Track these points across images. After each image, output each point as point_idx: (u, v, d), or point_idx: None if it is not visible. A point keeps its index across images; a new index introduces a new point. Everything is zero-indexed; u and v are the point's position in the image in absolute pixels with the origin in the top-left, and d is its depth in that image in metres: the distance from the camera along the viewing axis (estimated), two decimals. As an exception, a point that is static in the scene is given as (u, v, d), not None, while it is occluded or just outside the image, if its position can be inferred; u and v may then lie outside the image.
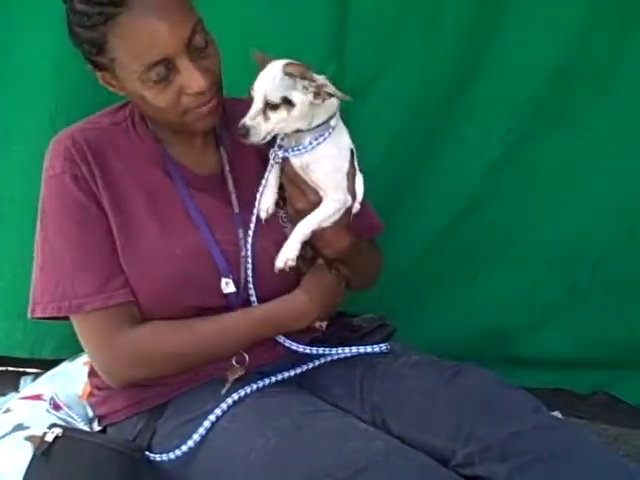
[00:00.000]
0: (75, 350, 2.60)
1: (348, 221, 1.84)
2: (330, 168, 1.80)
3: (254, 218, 1.83)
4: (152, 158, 1.83)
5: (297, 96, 1.70)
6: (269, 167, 1.83)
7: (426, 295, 2.95)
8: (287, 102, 1.69)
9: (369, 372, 1.86)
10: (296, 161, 1.80)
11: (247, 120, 1.70)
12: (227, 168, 1.89)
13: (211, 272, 1.78)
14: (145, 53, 1.65)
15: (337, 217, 1.79)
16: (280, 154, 1.80)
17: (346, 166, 1.82)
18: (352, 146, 1.86)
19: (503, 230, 2.90)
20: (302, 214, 1.80)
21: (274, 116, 1.70)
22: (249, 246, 1.81)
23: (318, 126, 1.78)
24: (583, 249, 2.91)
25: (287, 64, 1.71)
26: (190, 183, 1.84)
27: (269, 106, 1.69)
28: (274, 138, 1.79)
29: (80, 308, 1.71)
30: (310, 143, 1.78)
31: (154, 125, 1.86)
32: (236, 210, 1.86)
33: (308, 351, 1.86)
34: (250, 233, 1.82)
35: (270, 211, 1.85)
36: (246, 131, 1.69)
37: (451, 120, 2.82)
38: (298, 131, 1.77)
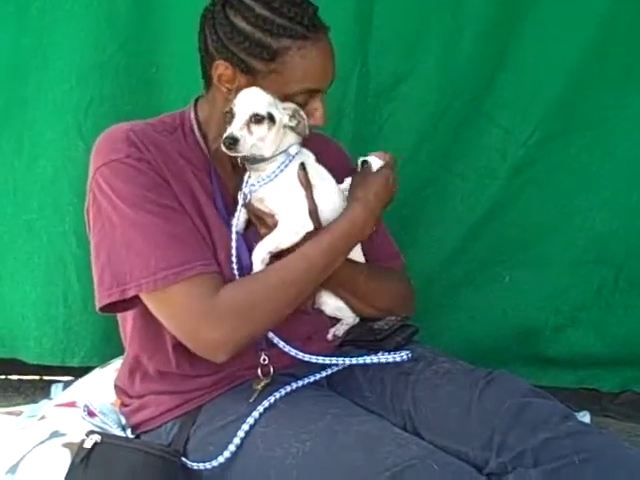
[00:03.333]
0: (105, 358, 2.65)
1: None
2: (283, 196, 1.80)
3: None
4: (200, 167, 1.85)
5: (277, 115, 1.74)
6: (239, 208, 1.82)
7: (453, 297, 2.97)
8: (270, 118, 1.73)
9: (400, 378, 1.85)
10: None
11: (234, 131, 1.71)
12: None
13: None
14: (313, 79, 1.79)
15: (297, 239, 1.79)
16: (247, 192, 1.81)
17: (301, 191, 1.82)
18: (304, 159, 1.85)
19: (528, 231, 2.93)
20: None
21: (257, 130, 1.72)
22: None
23: (277, 155, 1.80)
24: (608, 249, 2.94)
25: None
26: (225, 199, 1.86)
27: (254, 120, 1.72)
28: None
29: (178, 276, 1.67)
30: (274, 172, 1.79)
31: (208, 137, 1.89)
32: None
33: (321, 361, 1.83)
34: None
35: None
36: (234, 141, 1.70)
37: (474, 122, 2.85)
38: (260, 161, 1.79)
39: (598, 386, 3.03)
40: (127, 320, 1.91)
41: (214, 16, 1.79)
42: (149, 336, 1.83)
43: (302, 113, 1.77)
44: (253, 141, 1.72)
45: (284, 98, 1.77)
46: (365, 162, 1.91)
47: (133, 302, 1.74)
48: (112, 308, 1.76)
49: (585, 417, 2.54)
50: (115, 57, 2.63)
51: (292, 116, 1.76)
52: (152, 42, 2.67)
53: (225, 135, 1.71)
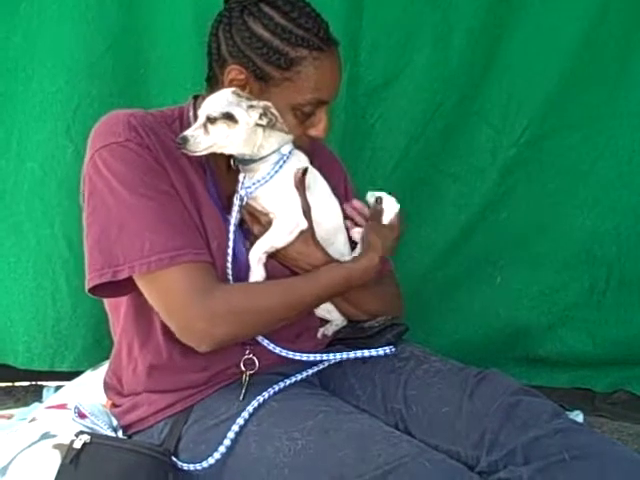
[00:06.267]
0: (95, 362, 2.63)
1: (311, 242, 1.84)
2: (278, 196, 1.80)
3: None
4: (195, 159, 1.82)
5: (240, 113, 1.72)
6: (235, 209, 1.83)
7: (445, 297, 2.97)
8: (228, 117, 1.72)
9: (391, 377, 1.85)
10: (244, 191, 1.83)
11: (188, 131, 1.73)
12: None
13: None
14: (324, 90, 1.83)
15: (291, 238, 1.80)
16: (243, 194, 1.81)
17: (294, 191, 1.82)
18: (307, 165, 1.86)
19: (520, 231, 2.93)
20: (260, 236, 1.82)
21: (213, 130, 1.72)
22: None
23: (268, 155, 1.80)
24: (599, 248, 2.94)
25: (235, 89, 1.75)
26: (219, 190, 1.86)
27: (209, 120, 1.72)
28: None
29: (172, 260, 1.66)
30: (269, 174, 1.80)
31: None
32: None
33: (305, 358, 1.84)
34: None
35: None
36: (184, 141, 1.71)
37: (465, 122, 2.85)
38: (250, 162, 1.79)
39: (590, 386, 3.03)
40: (120, 306, 1.89)
41: (231, 22, 1.80)
42: (142, 321, 1.83)
43: (273, 111, 1.74)
44: (212, 141, 1.72)
45: (293, 107, 1.80)
46: (379, 199, 1.95)
47: (123, 286, 1.73)
48: (102, 292, 1.75)
49: (578, 417, 2.55)
50: (103, 58, 2.62)
51: (263, 114, 1.74)
52: (140, 43, 2.66)
53: (179, 135, 1.73)
